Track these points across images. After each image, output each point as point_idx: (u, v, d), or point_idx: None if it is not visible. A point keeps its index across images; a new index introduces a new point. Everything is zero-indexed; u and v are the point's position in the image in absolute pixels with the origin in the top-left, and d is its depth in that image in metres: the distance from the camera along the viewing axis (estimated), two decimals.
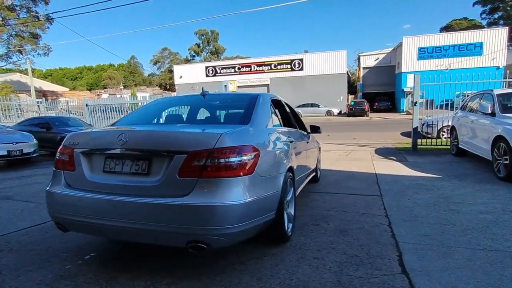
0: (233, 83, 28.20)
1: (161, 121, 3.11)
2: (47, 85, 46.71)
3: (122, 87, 48.11)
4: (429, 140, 9.18)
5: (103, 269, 2.28)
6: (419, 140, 8.74)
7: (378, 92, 29.40)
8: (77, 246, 2.71)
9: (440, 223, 3.20)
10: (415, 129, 8.60)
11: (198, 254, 2.45)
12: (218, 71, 28.56)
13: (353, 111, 22.69)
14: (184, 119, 2.91)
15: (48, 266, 2.35)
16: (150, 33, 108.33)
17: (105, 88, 51.47)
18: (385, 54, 28.77)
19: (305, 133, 4.49)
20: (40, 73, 73.77)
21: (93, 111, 12.06)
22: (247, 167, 2.06)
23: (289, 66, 26.92)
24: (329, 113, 24.37)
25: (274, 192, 2.38)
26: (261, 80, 27.64)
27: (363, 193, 4.49)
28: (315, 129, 4.61)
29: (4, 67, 37.66)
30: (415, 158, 7.42)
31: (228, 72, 28.35)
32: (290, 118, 3.80)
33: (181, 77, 29.34)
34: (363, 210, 3.71)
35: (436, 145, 8.85)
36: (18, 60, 33.08)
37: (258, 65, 27.46)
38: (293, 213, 2.99)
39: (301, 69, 26.86)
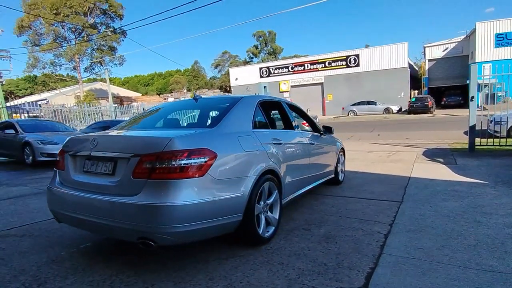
0: (287, 83, 28.13)
1: (158, 124, 3.31)
2: (123, 92, 52.51)
3: (185, 90, 51.59)
4: (496, 140, 7.95)
5: (86, 258, 2.57)
6: (483, 140, 7.68)
7: (447, 86, 26.30)
8: (80, 235, 3.08)
9: (450, 235, 2.82)
10: (472, 127, 7.58)
11: (184, 248, 2.60)
12: (272, 72, 28.74)
13: (414, 108, 20.66)
14: (164, 124, 3.05)
15: (50, 251, 2.73)
16: (211, 39, 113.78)
17: (171, 92, 55.79)
18: (456, 43, 25.53)
19: (317, 134, 4.33)
20: (119, 81, 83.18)
21: None
22: (196, 170, 2.12)
23: (344, 62, 25.77)
24: (387, 110, 22.65)
25: (238, 195, 2.39)
26: (314, 78, 27.01)
27: (381, 198, 4.17)
28: (328, 129, 4.41)
29: (88, 77, 43.42)
30: (468, 160, 6.55)
31: (281, 72, 28.35)
32: (289, 120, 3.72)
33: (236, 79, 30.30)
34: (369, 216, 3.46)
35: (505, 145, 7.61)
36: (99, 71, 37.83)
37: (311, 64, 26.88)
38: (277, 217, 2.94)
39: (357, 65, 25.49)
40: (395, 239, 2.80)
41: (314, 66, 26.65)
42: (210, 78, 64.76)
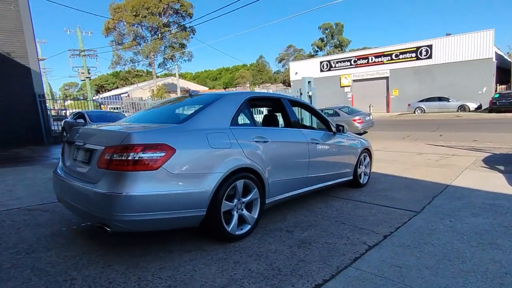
0: (348, 77, 26.72)
1: (148, 119, 3.31)
2: (192, 86, 56.07)
3: (248, 85, 52.78)
4: None
5: (78, 236, 2.90)
6: None
7: None
8: None
9: (445, 256, 2.44)
10: None
11: (165, 235, 2.77)
12: (333, 65, 27.56)
13: (497, 106, 17.59)
14: (152, 119, 3.12)
15: (55, 226, 3.14)
16: (277, 33, 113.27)
17: (235, 86, 57.65)
18: None
19: (329, 133, 4.08)
20: (190, 76, 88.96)
21: None
22: (150, 164, 2.21)
23: (414, 54, 23.28)
24: (462, 108, 19.80)
25: (200, 190, 2.42)
26: (379, 72, 25.03)
27: (398, 207, 3.77)
28: (339, 128, 4.12)
29: (165, 73, 47.42)
30: None
31: (343, 66, 26.98)
32: (288, 117, 3.58)
33: (296, 73, 29.86)
34: (367, 225, 3.17)
35: None
36: (170, 66, 41.00)
37: (376, 56, 24.96)
38: (255, 216, 2.89)
39: (429, 57, 22.78)
40: (377, 253, 2.53)
41: (379, 59, 24.69)
42: (274, 73, 65.06)
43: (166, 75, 50.04)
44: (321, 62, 28.37)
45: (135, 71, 42.21)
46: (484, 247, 2.60)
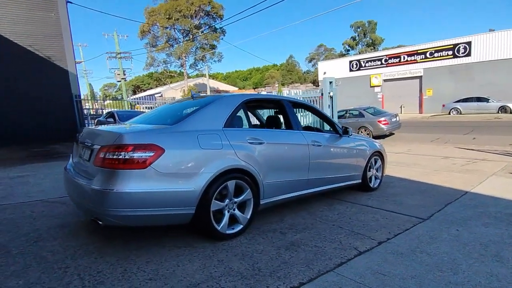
0: (379, 77, 25.78)
1: (148, 120, 3.38)
2: (222, 86, 57.02)
3: (277, 85, 52.68)
4: None
5: (84, 228, 3.11)
6: None
7: None
8: None
9: (438, 267, 2.33)
10: None
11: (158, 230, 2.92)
12: (363, 65, 26.71)
13: None
14: (152, 120, 3.25)
15: (67, 218, 3.39)
16: (307, 32, 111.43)
17: (265, 86, 57.77)
18: None
19: (335, 135, 4.02)
20: (221, 76, 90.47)
21: None
22: (139, 163, 2.33)
23: (450, 52, 21.89)
24: (503, 109, 18.28)
25: (189, 189, 2.51)
26: (412, 71, 23.84)
27: (404, 213, 3.64)
28: (344, 130, 4.04)
29: (197, 73, 48.65)
30: None
31: (373, 65, 26.06)
32: (289, 119, 3.57)
33: (324, 73, 29.35)
34: (365, 230, 3.09)
35: None
36: (201, 67, 42.01)
37: (409, 55, 23.80)
38: (248, 216, 2.94)
39: (468, 54, 21.30)
40: (365, 259, 2.47)
41: (412, 58, 23.53)
42: (304, 73, 64.39)
43: (197, 76, 51.34)
44: (350, 62, 27.64)
45: (167, 72, 43.76)
46: (484, 259, 2.45)
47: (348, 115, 12.99)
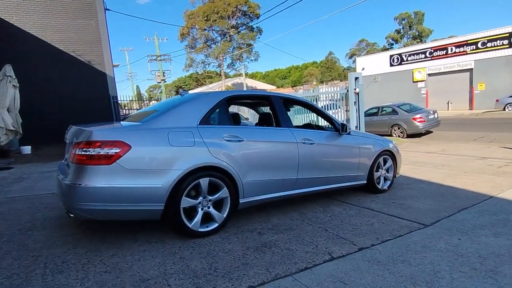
0: (422, 71, 23.96)
1: (133, 119, 3.40)
2: (260, 85, 57.24)
3: (314, 82, 51.60)
4: None
5: (75, 220, 3.29)
6: None
7: None
8: None
9: (414, 279, 2.08)
10: None
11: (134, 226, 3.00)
12: (405, 59, 25.01)
13: None
14: (136, 119, 3.28)
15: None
16: (347, 28, 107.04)
17: (302, 84, 56.92)
18: None
19: (334, 133, 3.79)
20: (260, 75, 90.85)
21: None
22: (105, 159, 2.39)
23: (506, 41, 19.50)
24: None
25: (156, 186, 2.52)
26: (460, 64, 21.74)
27: (406, 218, 3.33)
28: (342, 127, 3.78)
29: (235, 73, 49.41)
30: None
31: (416, 59, 24.27)
32: (277, 116, 3.42)
33: (363, 69, 28.05)
34: (353, 235, 2.88)
35: None
36: (238, 67, 42.57)
37: (457, 46, 21.72)
38: (224, 215, 2.88)
39: None
40: (334, 266, 2.29)
41: (461, 49, 21.46)
42: (344, 69, 62.27)
43: (236, 75, 52.16)
44: (391, 56, 26.08)
45: (206, 73, 45.03)
46: (476, 273, 2.14)
47: (380, 112, 12.27)
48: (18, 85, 8.89)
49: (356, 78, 9.48)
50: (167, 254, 2.45)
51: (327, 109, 10.03)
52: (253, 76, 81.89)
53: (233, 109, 8.38)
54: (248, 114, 11.69)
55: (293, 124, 3.64)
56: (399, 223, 3.19)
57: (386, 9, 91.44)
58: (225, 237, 2.81)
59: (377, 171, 4.27)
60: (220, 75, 43.45)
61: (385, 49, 48.59)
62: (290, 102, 3.96)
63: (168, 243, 2.67)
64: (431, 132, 12.02)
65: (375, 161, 4.18)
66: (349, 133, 3.92)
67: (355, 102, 9.31)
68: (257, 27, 40.16)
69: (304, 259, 2.38)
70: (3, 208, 3.66)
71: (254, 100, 4.24)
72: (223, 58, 40.70)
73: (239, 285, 2.01)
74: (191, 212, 2.76)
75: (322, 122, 7.86)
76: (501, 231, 2.89)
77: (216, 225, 2.86)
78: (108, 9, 13.69)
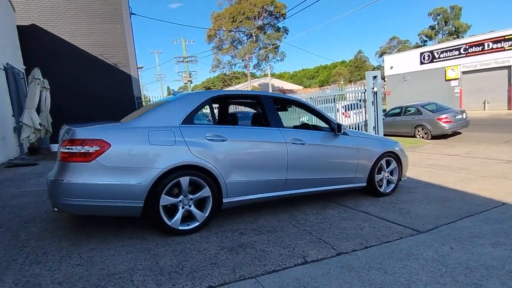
0: (456, 69, 22.55)
1: (126, 119, 3.54)
2: (287, 85, 56.84)
3: (342, 82, 50.41)
4: None
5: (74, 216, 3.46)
6: None
7: None
8: None
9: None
10: None
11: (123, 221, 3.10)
12: (436, 56, 23.65)
13: None
14: (129, 118, 3.38)
15: None
16: (377, 25, 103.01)
17: (329, 84, 55.81)
18: None
19: (330, 133, 3.68)
20: (288, 75, 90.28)
21: None
22: (85, 156, 2.48)
23: None
24: None
25: (135, 183, 2.58)
26: (498, 61, 20.15)
27: (401, 223, 3.16)
28: (337, 127, 3.65)
29: (260, 74, 49.57)
30: None
31: (449, 56, 22.86)
32: (266, 116, 3.38)
33: (391, 67, 26.94)
34: (333, 239, 2.77)
35: None
36: (264, 67, 42.60)
37: (494, 42, 20.16)
38: (206, 214, 2.90)
39: None
40: (303, 270, 2.22)
41: (499, 45, 19.90)
42: (374, 68, 60.25)
43: (262, 76, 52.28)
44: (421, 54, 24.80)
45: (232, 73, 45.54)
46: (455, 286, 1.99)
47: (404, 112, 11.74)
48: (48, 87, 9.52)
49: (375, 77, 9.13)
50: (142, 251, 2.51)
51: (350, 109, 9.74)
52: (280, 76, 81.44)
53: (234, 109, 8.39)
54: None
55: (298, 124, 3.57)
56: (391, 228, 3.03)
57: (419, 4, 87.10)
58: (205, 236, 2.82)
59: (379, 173, 4.08)
60: (244, 76, 43.78)
61: (417, 47, 46.42)
62: (282, 102, 3.90)
63: (148, 239, 2.73)
64: (460, 133, 11.31)
65: (376, 163, 4.01)
66: (345, 134, 3.79)
67: (372, 102, 8.98)
68: (283, 27, 40.03)
69: (275, 262, 2.33)
70: (13, 202, 3.92)
71: (243, 99, 4.23)
72: (249, 59, 40.94)
73: (199, 284, 2.01)
74: (172, 210, 2.80)
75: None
76: (502, 241, 2.66)
77: (197, 223, 2.88)
78: (134, 13, 14.27)
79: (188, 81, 30.92)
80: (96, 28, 13.10)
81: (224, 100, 3.98)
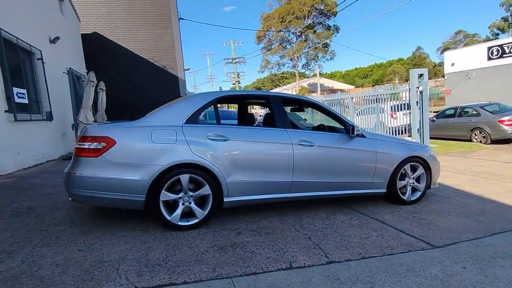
0: None
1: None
2: (337, 84, 55.01)
3: (397, 81, 47.22)
4: None
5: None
6: None
7: None
8: None
9: None
10: None
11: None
12: (507, 51, 20.91)
13: None
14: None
15: None
16: (439, 19, 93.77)
17: (384, 83, 52.67)
18: None
19: (344, 135, 3.50)
20: (340, 74, 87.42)
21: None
22: (94, 152, 2.71)
23: None
24: None
25: (137, 178, 2.74)
26: None
27: (416, 236, 2.90)
28: (354, 130, 3.44)
29: (310, 74, 48.77)
30: None
31: None
32: (273, 117, 3.32)
33: (452, 64, 24.43)
34: (332, 247, 2.64)
35: None
36: (313, 67, 41.81)
37: None
38: (206, 212, 2.96)
39: None
40: (284, 275, 2.15)
41: None
42: (435, 65, 55.47)
43: (313, 76, 51.41)
44: (489, 48, 22.08)
45: (281, 74, 45.51)
46: None
47: (459, 114, 10.63)
48: (104, 88, 10.52)
49: (421, 75, 8.42)
50: (139, 242, 2.65)
51: (399, 110, 9.06)
52: (331, 76, 79.07)
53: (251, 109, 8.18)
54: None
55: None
56: (402, 240, 2.79)
57: None
58: (202, 233, 2.89)
59: (402, 179, 3.78)
60: (292, 76, 43.42)
61: (487, 40, 41.59)
62: (293, 102, 3.80)
63: (149, 232, 2.88)
64: None
65: (399, 168, 3.71)
66: (362, 136, 3.57)
67: (417, 102, 8.29)
68: (333, 25, 38.90)
69: (259, 264, 2.29)
70: (52, 190, 4.42)
71: (251, 100, 4.19)
72: (298, 58, 40.53)
73: (176, 279, 2.06)
74: (174, 205, 2.91)
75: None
76: None
77: (197, 220, 2.95)
78: (182, 18, 15.05)
79: (236, 81, 31.67)
80: (147, 33, 14.10)
81: (233, 101, 4.00)
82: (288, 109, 4.60)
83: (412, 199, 3.84)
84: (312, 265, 2.31)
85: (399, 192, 3.76)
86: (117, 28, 13.79)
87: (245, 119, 4.21)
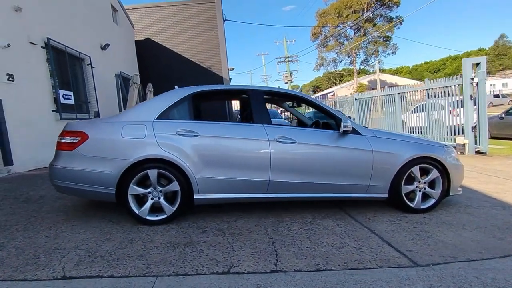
0: None
1: None
2: (401, 81, 50.85)
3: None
4: None
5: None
6: None
7: None
8: None
9: None
10: None
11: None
12: None
13: None
14: None
15: None
16: None
17: (457, 77, 46.99)
18: None
19: (332, 132, 3.17)
20: (407, 70, 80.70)
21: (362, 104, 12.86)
22: (68, 146, 2.87)
23: None
24: None
25: (106, 172, 2.82)
26: None
27: (402, 250, 2.47)
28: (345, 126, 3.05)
29: (372, 70, 45.96)
30: None
31: None
32: (251, 112, 3.12)
33: None
34: (292, 253, 2.39)
35: None
36: (372, 62, 39.29)
37: None
38: (174, 208, 2.92)
39: None
40: (210, 280, 2.00)
41: None
42: None
43: (374, 72, 48.45)
44: None
45: (338, 71, 43.76)
46: None
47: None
48: (152, 89, 11.32)
49: (477, 64, 7.24)
50: (103, 233, 2.73)
51: (461, 106, 7.96)
52: (397, 71, 73.36)
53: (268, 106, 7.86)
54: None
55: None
56: (381, 254, 2.40)
57: None
58: (167, 229, 2.86)
59: (409, 183, 3.26)
60: (350, 73, 41.34)
61: None
62: (276, 96, 3.52)
63: (120, 224, 2.95)
64: None
65: (404, 171, 3.21)
66: (357, 133, 3.18)
67: (471, 96, 7.14)
68: (396, 16, 36.01)
69: (197, 266, 2.17)
70: None
71: (231, 95, 3.99)
72: (356, 54, 38.52)
73: (106, 271, 2.06)
74: (144, 200, 2.95)
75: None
76: None
77: (165, 216, 2.94)
78: (227, 20, 15.41)
79: (289, 80, 31.36)
80: (194, 36, 14.76)
81: (211, 97, 3.89)
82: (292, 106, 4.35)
83: (423, 207, 3.29)
84: (252, 272, 2.10)
85: (405, 198, 3.25)
86: (167, 33, 14.72)
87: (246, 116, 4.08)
